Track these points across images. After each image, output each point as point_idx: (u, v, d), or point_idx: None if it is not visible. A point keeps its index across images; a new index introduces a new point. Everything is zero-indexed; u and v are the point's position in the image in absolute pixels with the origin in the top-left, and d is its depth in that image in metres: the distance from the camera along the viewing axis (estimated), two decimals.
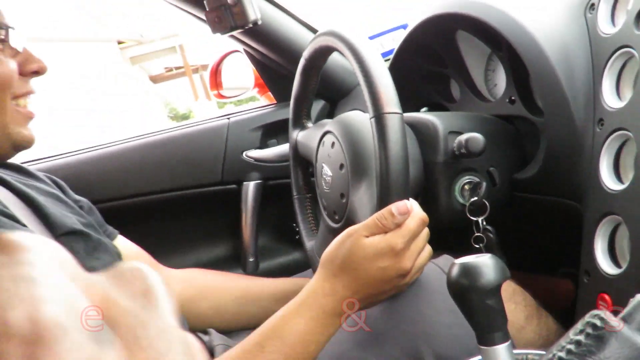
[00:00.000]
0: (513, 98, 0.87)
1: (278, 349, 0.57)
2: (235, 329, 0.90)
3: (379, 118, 0.65)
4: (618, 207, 0.60)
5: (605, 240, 0.64)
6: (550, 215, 0.81)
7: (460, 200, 0.80)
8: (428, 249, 0.66)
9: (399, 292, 0.65)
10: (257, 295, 0.92)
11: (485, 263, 0.53)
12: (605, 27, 0.67)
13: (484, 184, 0.78)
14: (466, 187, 0.80)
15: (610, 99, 0.64)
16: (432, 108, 1.07)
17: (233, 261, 1.21)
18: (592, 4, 0.70)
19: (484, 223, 0.79)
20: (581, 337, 0.30)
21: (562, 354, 0.30)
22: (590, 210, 0.66)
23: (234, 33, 1.07)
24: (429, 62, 1.03)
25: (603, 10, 0.68)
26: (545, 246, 0.93)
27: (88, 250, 0.73)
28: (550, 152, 0.73)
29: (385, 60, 1.13)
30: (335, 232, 0.85)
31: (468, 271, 0.53)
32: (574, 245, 0.71)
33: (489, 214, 0.81)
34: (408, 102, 1.08)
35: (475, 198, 0.78)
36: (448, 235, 0.89)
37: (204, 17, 0.92)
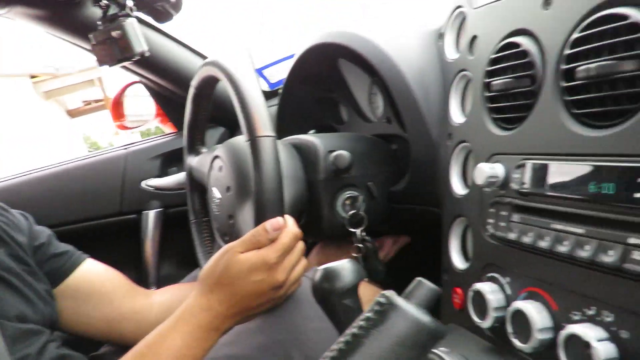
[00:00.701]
0: (390, 118, 0.95)
1: None
2: None
3: (253, 141, 0.70)
4: (463, 210, 0.68)
5: (458, 240, 0.71)
6: (421, 223, 0.88)
7: (342, 214, 0.86)
8: (303, 262, 0.70)
9: (275, 304, 0.69)
10: None
11: (343, 266, 0.59)
12: (450, 54, 0.77)
13: (361, 198, 0.85)
14: (347, 201, 0.87)
15: (456, 116, 0.73)
16: (324, 130, 1.14)
17: None
18: (441, 34, 0.80)
19: (363, 234, 0.85)
20: (370, 314, 0.35)
21: (355, 330, 0.35)
22: (445, 214, 0.73)
23: (127, 64, 1.09)
24: (317, 87, 1.10)
25: (449, 39, 0.78)
26: (419, 252, 1.00)
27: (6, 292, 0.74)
28: (414, 165, 0.81)
29: (279, 89, 1.19)
30: None
31: (328, 275, 0.58)
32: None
33: (370, 225, 0.88)
34: (301, 125, 1.15)
35: (354, 211, 0.85)
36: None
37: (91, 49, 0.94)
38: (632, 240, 0.44)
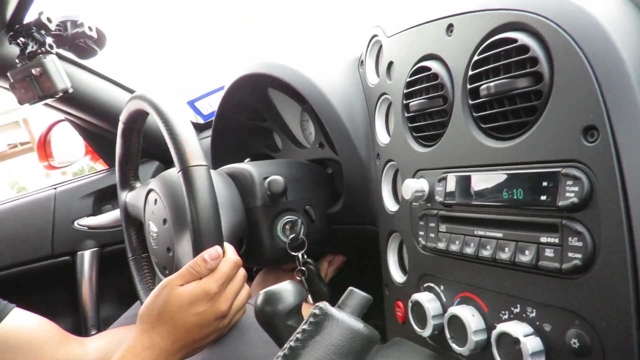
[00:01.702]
0: (322, 143, 0.98)
1: None
2: None
3: (186, 171, 0.70)
4: (397, 225, 0.71)
5: (395, 254, 0.74)
6: (361, 241, 0.91)
7: (283, 238, 0.87)
8: (246, 289, 0.70)
9: (221, 334, 0.68)
10: None
11: (284, 288, 0.59)
12: (372, 79, 0.81)
13: (300, 221, 0.86)
14: (287, 226, 0.88)
15: (382, 137, 0.77)
16: (260, 158, 1.15)
17: None
18: (362, 61, 0.84)
19: (305, 257, 0.87)
20: (305, 326, 0.37)
21: (292, 343, 0.36)
22: (381, 230, 0.76)
23: (51, 102, 1.06)
24: (249, 117, 1.12)
25: (369, 65, 0.82)
26: (363, 270, 1.03)
27: None
28: (348, 186, 0.84)
29: (212, 120, 1.20)
30: None
31: (269, 298, 0.59)
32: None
33: (312, 247, 0.89)
34: (236, 154, 1.16)
35: (294, 235, 0.86)
36: None
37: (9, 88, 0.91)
38: (544, 239, 0.48)
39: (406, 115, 0.67)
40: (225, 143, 1.12)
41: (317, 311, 0.38)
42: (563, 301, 0.47)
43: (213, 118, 1.19)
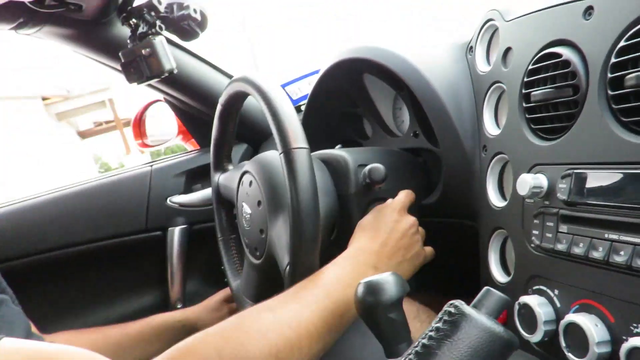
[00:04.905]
0: (417, 132, 0.95)
1: (311, 292, 0.64)
2: None
3: (287, 153, 0.69)
4: (503, 222, 0.67)
5: (497, 253, 0.71)
6: (453, 236, 0.87)
7: None
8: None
9: (421, 258, 0.79)
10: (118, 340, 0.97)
11: (387, 280, 0.58)
12: (481, 66, 0.77)
13: None
14: None
15: (491, 128, 0.73)
16: (348, 144, 1.13)
17: (161, 310, 1.18)
18: (471, 47, 0.80)
19: None
20: (439, 324, 0.35)
21: (425, 341, 0.34)
22: (483, 226, 0.73)
23: (153, 82, 1.10)
24: (341, 103, 1.10)
25: (479, 52, 0.78)
26: (452, 265, 0.99)
27: None
28: (447, 178, 0.80)
29: (301, 105, 1.20)
30: (257, 269, 0.87)
31: (371, 288, 0.57)
32: (475, 261, 0.77)
33: None
34: (325, 140, 1.15)
35: None
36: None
37: (119, 68, 0.95)
38: None
39: (524, 105, 0.63)
40: (315, 128, 1.11)
41: (452, 309, 0.35)
42: None
43: (302, 102, 1.19)
